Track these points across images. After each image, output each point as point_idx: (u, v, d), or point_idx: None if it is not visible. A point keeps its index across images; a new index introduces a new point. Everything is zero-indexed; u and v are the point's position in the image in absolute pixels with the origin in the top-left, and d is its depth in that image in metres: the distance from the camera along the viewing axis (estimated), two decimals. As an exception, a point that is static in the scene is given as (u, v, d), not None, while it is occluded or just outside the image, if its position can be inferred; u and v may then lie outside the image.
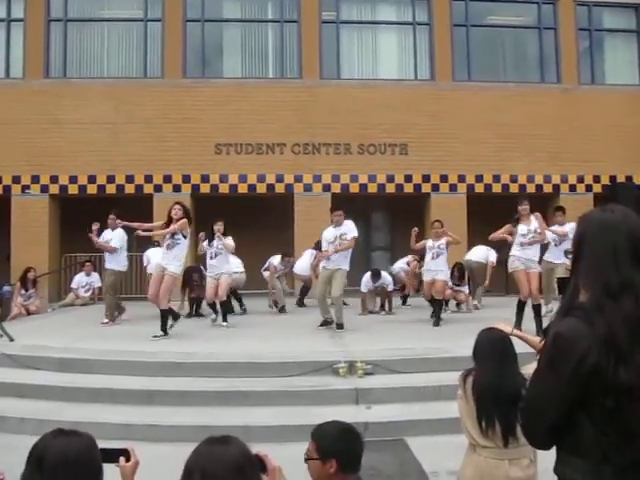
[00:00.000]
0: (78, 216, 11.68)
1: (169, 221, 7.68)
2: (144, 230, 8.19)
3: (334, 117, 12.77)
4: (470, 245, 11.33)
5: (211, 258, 8.63)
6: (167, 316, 7.64)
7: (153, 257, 9.35)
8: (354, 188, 13.00)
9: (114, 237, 8.88)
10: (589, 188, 13.39)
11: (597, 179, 13.42)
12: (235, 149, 12.86)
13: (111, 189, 12.65)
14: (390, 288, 9.93)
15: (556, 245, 8.81)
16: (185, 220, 7.59)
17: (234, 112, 12.66)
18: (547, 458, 1.81)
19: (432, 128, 12.93)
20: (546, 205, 11.69)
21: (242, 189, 12.85)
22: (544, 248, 8.65)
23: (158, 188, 12.64)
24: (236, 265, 9.60)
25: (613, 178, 13.35)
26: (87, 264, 11.68)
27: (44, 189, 12.61)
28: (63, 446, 1.59)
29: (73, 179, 12.65)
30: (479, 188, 13.17)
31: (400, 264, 10.86)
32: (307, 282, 10.83)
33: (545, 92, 13.44)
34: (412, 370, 5.91)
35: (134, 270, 11.10)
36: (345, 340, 7.29)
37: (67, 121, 12.50)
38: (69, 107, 12.57)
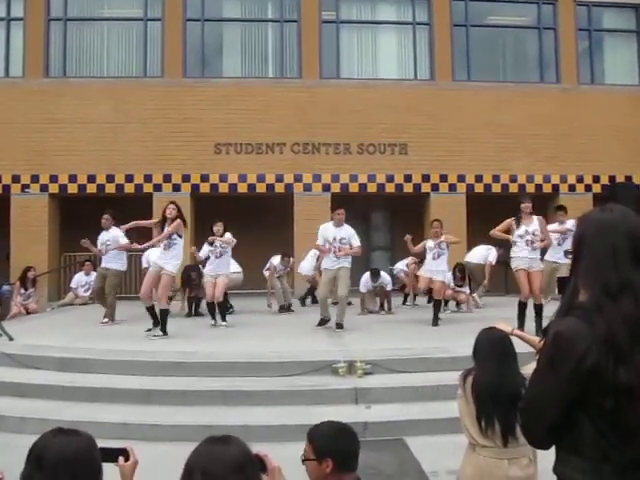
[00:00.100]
0: (78, 215, 11.71)
1: (163, 220, 7.75)
2: (141, 226, 8.22)
3: (334, 117, 12.78)
4: (470, 245, 11.34)
5: (217, 258, 8.63)
6: (166, 316, 7.65)
7: (153, 258, 9.34)
8: (354, 188, 13.00)
9: (116, 235, 8.88)
10: (588, 188, 13.40)
11: (596, 179, 13.43)
12: (235, 149, 12.86)
13: (111, 188, 12.65)
14: (389, 288, 9.94)
15: (559, 244, 8.79)
16: (179, 221, 7.66)
17: (234, 112, 12.66)
18: (547, 458, 1.81)
19: (432, 128, 12.94)
20: (546, 205, 11.71)
21: (242, 189, 12.85)
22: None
23: (158, 187, 12.64)
24: (234, 265, 9.60)
25: (612, 178, 13.35)
26: (86, 263, 11.68)
27: (44, 188, 12.61)
28: (63, 445, 1.59)
29: (73, 178, 12.65)
30: (479, 188, 13.18)
31: (400, 265, 10.91)
32: (312, 282, 10.85)
33: (545, 92, 13.45)
34: (411, 370, 5.91)
35: (133, 270, 11.10)
36: (345, 340, 7.29)
37: (67, 120, 12.49)
38: (69, 106, 12.57)
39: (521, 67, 14.24)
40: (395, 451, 4.71)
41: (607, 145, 13.13)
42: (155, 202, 12.19)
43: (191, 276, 9.59)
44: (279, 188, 12.89)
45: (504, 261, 9.98)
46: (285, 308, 10.21)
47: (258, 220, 12.45)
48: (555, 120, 13.16)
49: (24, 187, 12.56)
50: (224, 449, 1.53)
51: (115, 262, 8.98)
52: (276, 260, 10.37)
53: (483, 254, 10.66)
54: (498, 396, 2.61)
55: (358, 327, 8.23)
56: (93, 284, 11.46)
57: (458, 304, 10.27)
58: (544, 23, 13.77)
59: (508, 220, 7.46)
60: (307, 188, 12.91)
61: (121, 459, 1.80)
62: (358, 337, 7.51)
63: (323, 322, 8.15)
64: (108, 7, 13.53)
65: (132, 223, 8.23)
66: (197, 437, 1.68)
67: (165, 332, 7.52)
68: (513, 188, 13.12)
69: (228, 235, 8.59)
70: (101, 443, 1.71)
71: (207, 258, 8.76)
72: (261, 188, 12.86)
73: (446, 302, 10.19)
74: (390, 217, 14.77)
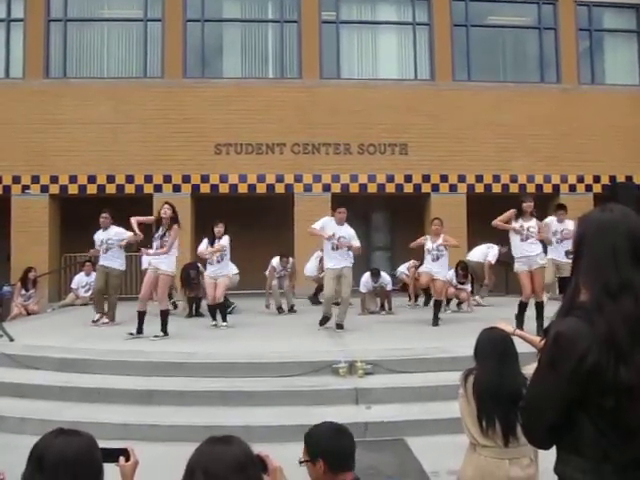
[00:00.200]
0: (78, 216, 11.71)
1: (159, 220, 7.78)
2: (140, 222, 8.22)
3: (334, 117, 12.78)
4: (470, 245, 11.34)
5: (218, 262, 8.65)
6: (167, 317, 7.67)
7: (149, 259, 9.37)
8: (354, 188, 13.00)
9: (119, 232, 8.90)
10: (589, 188, 13.40)
11: (597, 179, 13.43)
12: (235, 149, 12.86)
13: (111, 189, 12.65)
14: (389, 287, 9.95)
15: (558, 242, 8.80)
16: (176, 227, 7.73)
17: (234, 112, 12.66)
18: (547, 458, 1.81)
19: (432, 128, 12.94)
20: (546, 205, 11.70)
21: (242, 189, 12.85)
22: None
23: (158, 188, 12.65)
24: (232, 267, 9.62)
25: (613, 178, 13.35)
26: (87, 264, 11.66)
27: (44, 189, 12.62)
28: (64, 446, 1.59)
29: (73, 179, 12.65)
30: (479, 188, 13.18)
31: (402, 268, 10.96)
32: (318, 281, 10.84)
33: (545, 92, 13.45)
34: (412, 370, 5.91)
35: (133, 270, 11.10)
36: (345, 340, 7.29)
37: (67, 121, 12.50)
38: (69, 107, 12.57)
39: (521, 67, 14.24)
40: (396, 451, 4.71)
41: (607, 145, 13.13)
42: (155, 202, 12.15)
43: (190, 274, 9.59)
44: (279, 188, 12.89)
45: (505, 261, 10.00)
46: (284, 310, 10.15)
47: (258, 220, 12.45)
48: (555, 120, 13.16)
49: (24, 188, 12.57)
50: (226, 449, 1.53)
51: (116, 261, 9.00)
52: (275, 261, 10.37)
53: (483, 252, 10.68)
54: (499, 396, 2.61)
55: (358, 327, 8.22)
56: (94, 284, 11.49)
57: (459, 304, 10.27)
58: (544, 23, 13.77)
59: (511, 210, 7.52)
60: (307, 188, 12.91)
61: (122, 459, 1.80)
62: (358, 337, 7.51)
63: (325, 320, 8.11)
64: (108, 8, 13.54)
65: (133, 220, 8.20)
66: (197, 438, 1.68)
67: (166, 332, 7.54)
68: (513, 188, 13.12)
69: (223, 242, 8.58)
70: (102, 443, 1.71)
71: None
72: (261, 188, 12.86)
73: (448, 301, 10.21)
74: (390, 217, 14.77)
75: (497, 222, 7.61)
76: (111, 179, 12.65)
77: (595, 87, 13.68)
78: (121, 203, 10.66)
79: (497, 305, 10.40)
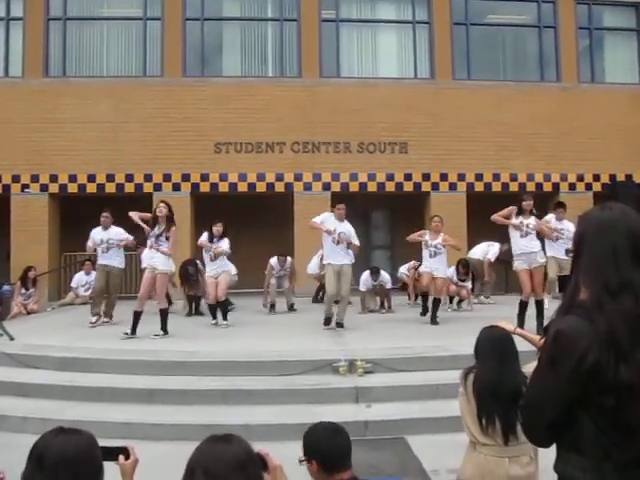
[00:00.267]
0: (78, 215, 11.69)
1: (155, 219, 7.78)
2: (141, 217, 8.22)
3: (334, 116, 12.77)
4: (470, 243, 11.34)
5: (214, 260, 8.64)
6: (167, 315, 7.68)
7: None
8: (354, 187, 13.00)
9: (119, 232, 8.89)
10: (589, 187, 13.39)
11: (597, 178, 13.43)
12: (235, 148, 12.85)
13: (111, 188, 12.65)
14: (389, 286, 9.95)
15: (554, 240, 8.82)
16: (174, 229, 7.73)
17: (234, 111, 12.66)
18: (547, 456, 1.82)
19: (432, 127, 12.93)
20: (546, 204, 11.69)
21: (242, 188, 12.84)
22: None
23: (158, 187, 12.64)
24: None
25: (613, 177, 13.35)
26: (87, 263, 11.66)
27: (44, 188, 12.61)
28: (64, 444, 1.59)
29: (73, 178, 12.65)
30: (479, 187, 13.17)
31: (402, 269, 10.97)
32: (320, 279, 10.84)
33: (545, 91, 13.44)
34: (412, 368, 5.92)
35: (133, 270, 11.10)
36: (345, 339, 7.30)
37: (66, 120, 12.49)
38: (68, 106, 12.56)
39: (521, 66, 14.23)
40: (396, 450, 4.71)
41: (607, 144, 13.12)
42: (155, 201, 12.11)
43: (189, 271, 9.57)
44: (279, 187, 12.88)
45: (504, 260, 10.00)
46: (275, 310, 10.11)
47: (258, 219, 12.45)
48: (555, 119, 13.15)
49: (24, 187, 12.56)
50: (226, 448, 1.53)
51: (116, 259, 9.00)
52: (274, 260, 10.36)
53: (484, 250, 10.69)
54: (499, 394, 2.62)
55: (358, 326, 8.23)
56: (93, 283, 11.49)
57: (460, 302, 10.27)
58: (544, 21, 13.76)
59: (511, 207, 7.54)
60: (307, 187, 12.90)
61: (121, 458, 1.80)
62: (358, 336, 7.51)
63: (328, 320, 8.09)
64: (108, 6, 13.52)
65: (135, 215, 8.16)
66: (198, 436, 1.68)
67: (166, 331, 7.55)
68: (513, 187, 13.11)
69: (225, 247, 8.57)
70: (103, 442, 1.71)
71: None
72: (261, 187, 12.86)
73: (451, 299, 10.22)
74: (390, 216, 14.77)
75: (497, 217, 7.61)
76: (111, 178, 12.65)
77: (595, 86, 13.67)
78: (121, 202, 10.62)
79: (497, 303, 10.41)
